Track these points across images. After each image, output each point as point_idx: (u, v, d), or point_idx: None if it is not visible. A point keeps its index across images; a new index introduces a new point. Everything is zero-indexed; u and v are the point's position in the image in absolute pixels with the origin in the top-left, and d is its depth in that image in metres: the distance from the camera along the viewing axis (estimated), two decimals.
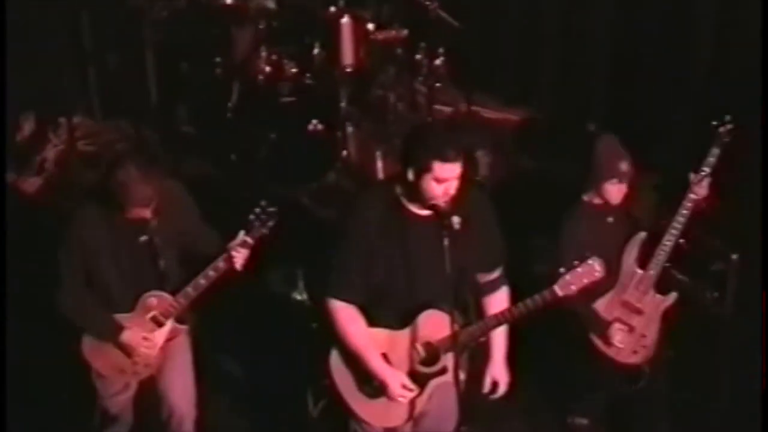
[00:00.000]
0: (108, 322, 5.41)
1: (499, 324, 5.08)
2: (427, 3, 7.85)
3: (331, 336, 5.08)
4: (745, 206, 6.40)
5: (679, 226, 5.59)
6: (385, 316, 5.04)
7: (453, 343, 4.91)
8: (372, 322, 5.04)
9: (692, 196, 5.56)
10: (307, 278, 6.55)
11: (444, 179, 4.77)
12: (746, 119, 5.76)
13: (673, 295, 5.74)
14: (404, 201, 4.95)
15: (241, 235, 5.25)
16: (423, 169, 4.77)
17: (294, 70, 8.04)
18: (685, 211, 5.58)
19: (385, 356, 5.04)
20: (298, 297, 6.48)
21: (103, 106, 8.64)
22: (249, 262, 5.35)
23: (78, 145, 8.32)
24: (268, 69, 8.03)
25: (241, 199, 6.71)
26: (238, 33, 8.18)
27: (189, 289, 5.38)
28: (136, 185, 5.12)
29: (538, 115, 8.50)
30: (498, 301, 5.17)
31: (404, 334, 5.04)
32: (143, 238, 5.32)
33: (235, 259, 5.28)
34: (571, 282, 4.93)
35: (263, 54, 8.04)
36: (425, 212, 4.90)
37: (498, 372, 5.20)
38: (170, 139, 8.25)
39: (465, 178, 4.86)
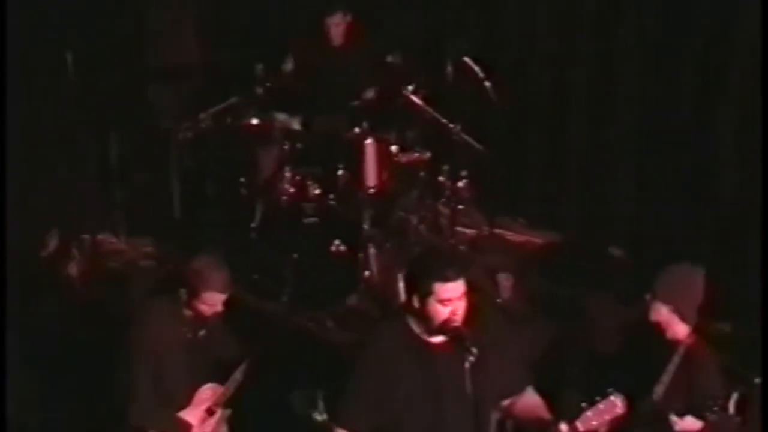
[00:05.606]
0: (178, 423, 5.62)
1: None
2: (451, 126, 7.93)
3: None
4: None
5: None
6: None
7: None
8: None
9: None
10: (327, 399, 6.53)
11: (447, 300, 4.73)
12: None
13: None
14: (417, 332, 4.90)
15: None
16: (426, 294, 4.75)
17: (317, 191, 8.09)
18: None
19: None
20: (318, 418, 6.43)
21: (128, 224, 8.69)
22: None
23: (101, 263, 8.36)
24: (291, 190, 8.09)
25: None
26: (263, 153, 8.25)
27: (237, 375, 5.72)
28: (211, 272, 5.48)
29: (562, 238, 8.51)
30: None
31: None
32: (202, 332, 5.60)
33: None
34: (592, 418, 4.86)
35: (287, 175, 8.10)
36: (439, 339, 4.86)
37: None
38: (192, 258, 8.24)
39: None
